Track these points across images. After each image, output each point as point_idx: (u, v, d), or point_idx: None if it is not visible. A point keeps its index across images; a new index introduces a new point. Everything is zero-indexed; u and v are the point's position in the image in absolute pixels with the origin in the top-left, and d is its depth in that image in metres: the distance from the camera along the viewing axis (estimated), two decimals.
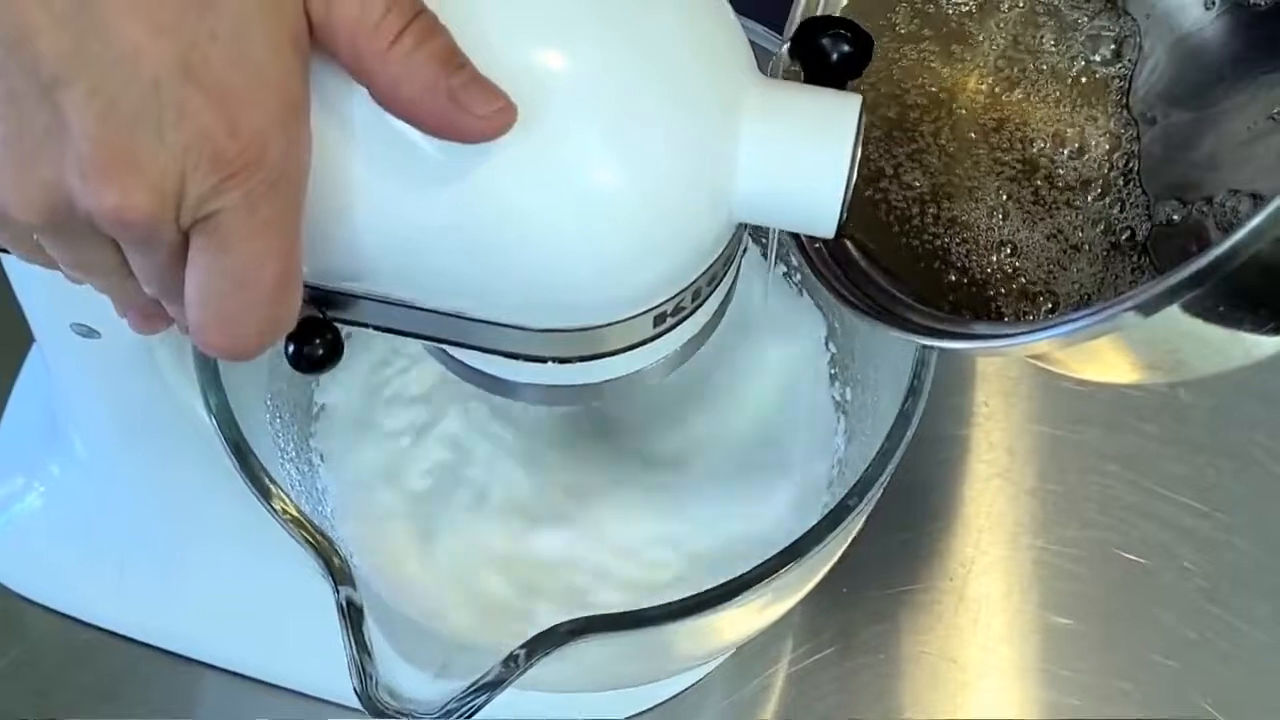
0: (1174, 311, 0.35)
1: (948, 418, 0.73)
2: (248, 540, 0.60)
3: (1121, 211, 0.45)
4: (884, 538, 0.69)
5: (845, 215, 0.41)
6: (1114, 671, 0.67)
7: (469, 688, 0.44)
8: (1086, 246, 0.45)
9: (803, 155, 0.41)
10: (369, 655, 0.45)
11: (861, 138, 0.40)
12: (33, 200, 0.36)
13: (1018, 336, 0.39)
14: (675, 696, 0.66)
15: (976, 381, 0.73)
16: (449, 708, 0.44)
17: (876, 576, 0.69)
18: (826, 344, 0.65)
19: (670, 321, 0.43)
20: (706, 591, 0.47)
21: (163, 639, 0.66)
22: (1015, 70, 0.47)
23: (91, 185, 0.35)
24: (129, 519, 0.65)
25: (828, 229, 0.41)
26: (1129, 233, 0.45)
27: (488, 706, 0.44)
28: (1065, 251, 0.45)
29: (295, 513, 0.49)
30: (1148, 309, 0.35)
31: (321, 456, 0.63)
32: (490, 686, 0.44)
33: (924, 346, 0.48)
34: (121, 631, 0.67)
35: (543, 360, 0.43)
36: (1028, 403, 0.73)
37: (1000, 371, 0.74)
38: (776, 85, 0.42)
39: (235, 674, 0.66)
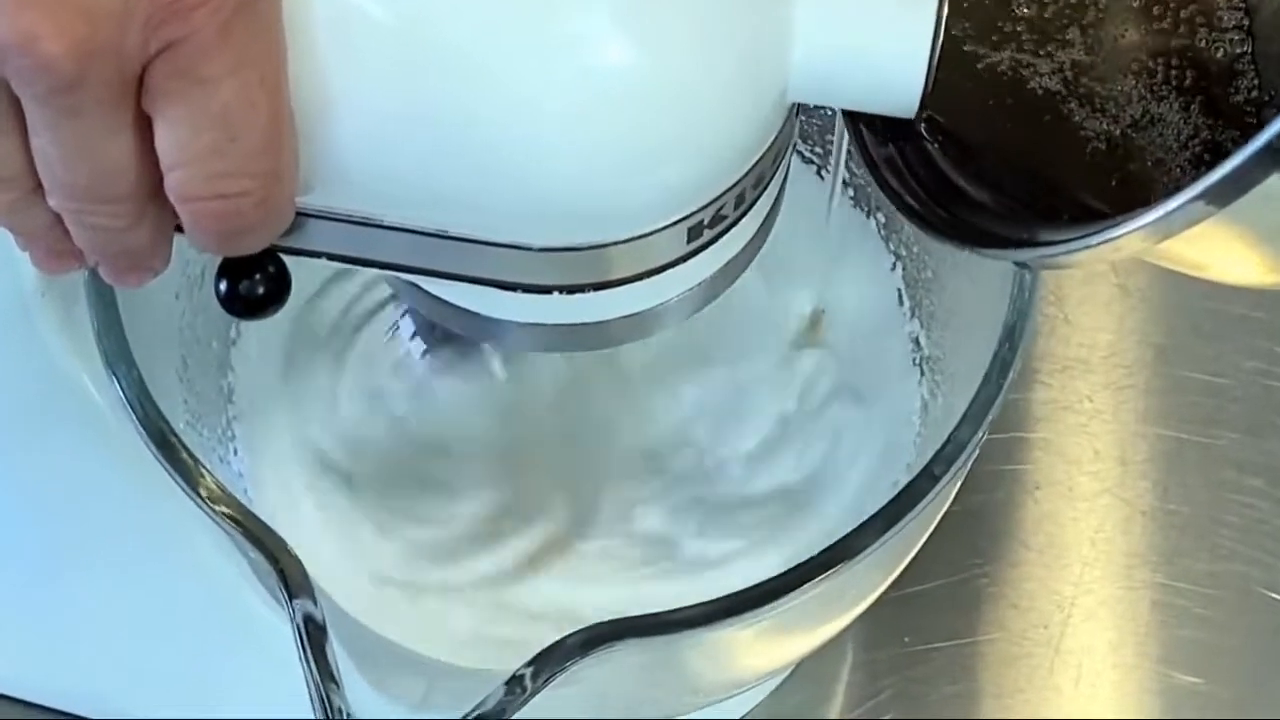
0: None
1: (1041, 416, 0.74)
2: (153, 560, 0.61)
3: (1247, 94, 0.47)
4: (958, 573, 0.70)
5: (930, 86, 0.42)
6: None
7: None
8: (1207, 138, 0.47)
9: (877, 7, 0.42)
10: (335, 684, 0.45)
11: None
12: None
13: (1100, 233, 0.41)
14: None
15: (1079, 371, 0.75)
16: None
17: (949, 623, 0.70)
18: (892, 274, 0.67)
19: (708, 235, 0.44)
20: (750, 588, 0.48)
21: (43, 695, 0.66)
22: None
23: (6, 3, 0.35)
24: None
25: (908, 105, 0.43)
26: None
27: None
28: (1184, 140, 0.47)
29: (228, 500, 0.50)
30: (1236, 180, 0.37)
31: (240, 440, 0.65)
32: (490, 718, 0.46)
33: (1017, 265, 0.50)
34: None
35: (547, 290, 0.45)
36: (1144, 398, 0.74)
37: (1108, 359, 0.75)
38: None
39: None
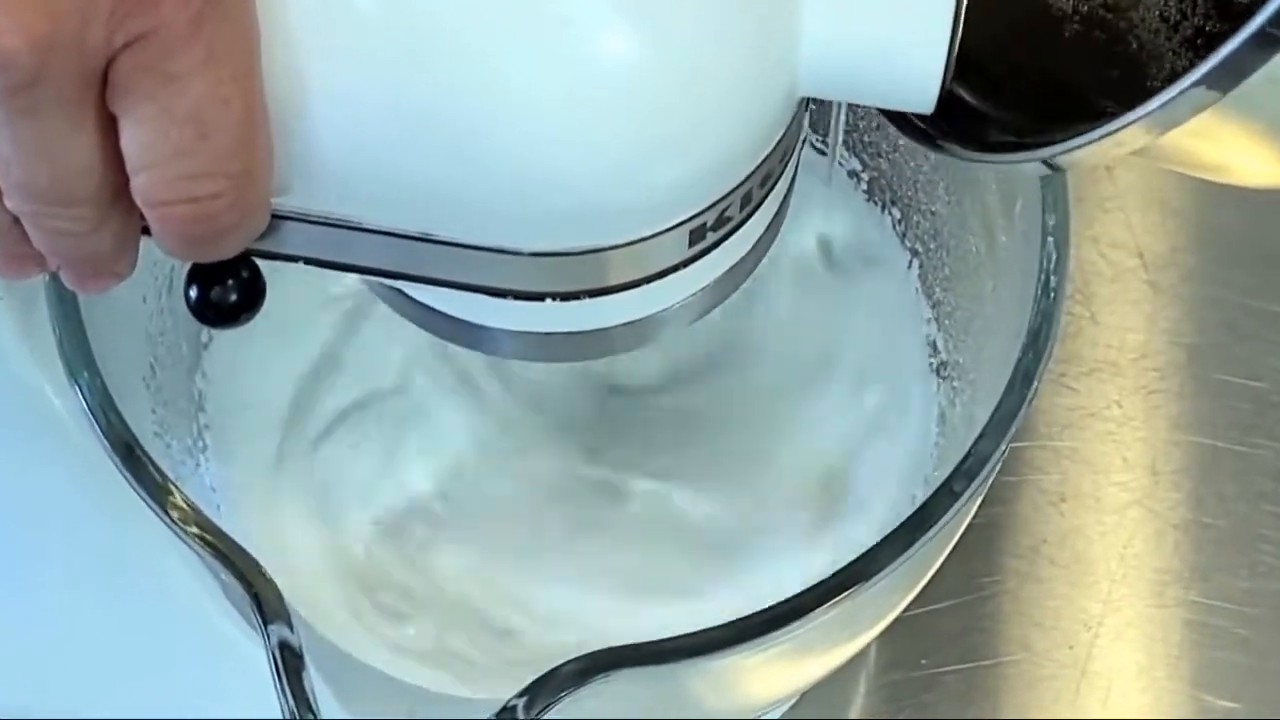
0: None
1: (1067, 422, 0.73)
2: (119, 580, 0.61)
3: None
4: (979, 590, 0.70)
5: (949, 81, 0.42)
6: None
7: None
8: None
9: None
10: (312, 713, 0.45)
11: None
12: None
13: (1100, 127, 0.41)
14: None
15: (1107, 374, 0.74)
16: None
17: (968, 644, 0.70)
18: (909, 270, 0.67)
19: (711, 238, 0.44)
20: (758, 614, 0.48)
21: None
22: None
23: None
24: None
25: (926, 100, 0.42)
26: None
27: None
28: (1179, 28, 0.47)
29: (198, 519, 0.49)
30: (1236, 64, 0.37)
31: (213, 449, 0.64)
32: None
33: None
34: None
35: (539, 297, 0.44)
36: (1177, 403, 0.74)
37: (1139, 361, 0.74)
38: None
39: None
